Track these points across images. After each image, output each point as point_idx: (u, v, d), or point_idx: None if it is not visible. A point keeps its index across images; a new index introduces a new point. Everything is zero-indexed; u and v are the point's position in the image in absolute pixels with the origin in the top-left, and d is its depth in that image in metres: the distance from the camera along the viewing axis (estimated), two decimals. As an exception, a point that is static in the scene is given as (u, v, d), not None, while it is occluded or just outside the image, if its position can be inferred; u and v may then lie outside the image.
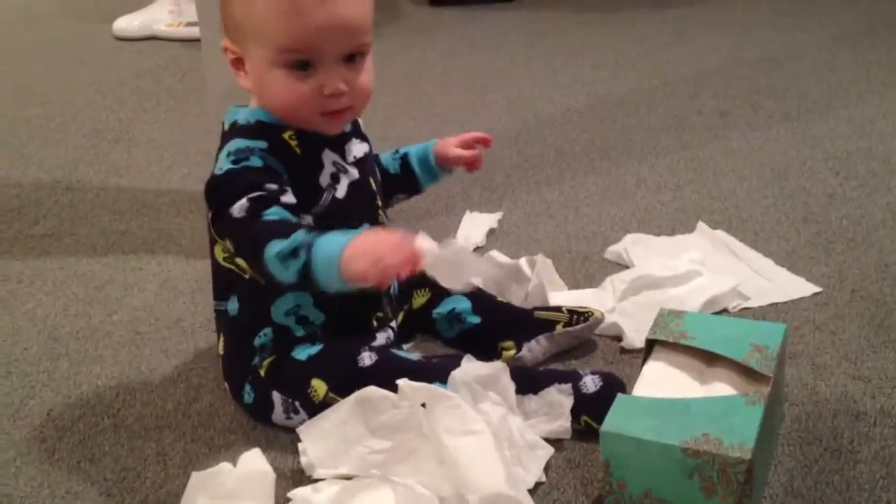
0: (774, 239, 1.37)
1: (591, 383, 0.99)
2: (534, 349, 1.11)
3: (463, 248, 1.32)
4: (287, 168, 0.98)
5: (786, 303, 1.21)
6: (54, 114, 2.07)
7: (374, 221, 1.05)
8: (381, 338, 1.07)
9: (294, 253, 0.89)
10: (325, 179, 1.01)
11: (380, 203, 1.08)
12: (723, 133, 1.76)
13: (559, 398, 0.98)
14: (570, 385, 0.99)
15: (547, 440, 0.97)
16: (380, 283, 0.87)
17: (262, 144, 0.98)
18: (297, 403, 1.01)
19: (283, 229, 0.91)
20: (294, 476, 0.96)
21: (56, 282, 1.38)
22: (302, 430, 0.97)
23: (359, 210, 1.03)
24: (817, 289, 1.23)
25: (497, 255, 1.26)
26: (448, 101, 2.02)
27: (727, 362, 0.93)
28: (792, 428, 0.99)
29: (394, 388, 0.94)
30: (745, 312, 1.19)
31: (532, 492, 0.91)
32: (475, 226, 1.43)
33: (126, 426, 1.06)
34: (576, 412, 0.98)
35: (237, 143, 0.98)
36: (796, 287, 1.24)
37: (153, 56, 2.46)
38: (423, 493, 0.89)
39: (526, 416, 0.99)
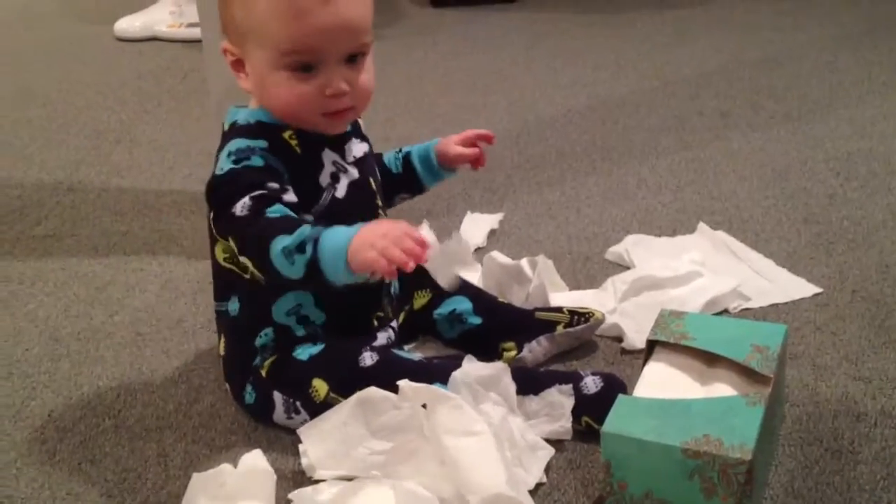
0: (775, 240, 1.37)
1: (591, 384, 0.99)
2: (535, 350, 1.11)
3: (465, 243, 1.34)
4: (287, 167, 0.98)
5: (786, 303, 1.21)
6: (56, 115, 2.08)
7: (372, 221, 1.05)
8: (382, 338, 1.07)
9: (300, 247, 0.89)
10: (324, 179, 1.02)
11: (380, 203, 1.08)
12: (724, 134, 1.76)
13: (560, 399, 0.98)
14: (570, 386, 0.99)
15: (548, 441, 0.97)
16: (387, 274, 0.87)
17: (262, 144, 0.98)
18: (298, 403, 1.01)
19: (288, 225, 0.92)
20: (295, 477, 0.96)
21: (57, 283, 1.38)
22: (302, 432, 0.97)
23: (359, 209, 1.03)
24: (818, 289, 1.23)
25: (498, 256, 1.26)
26: (449, 102, 2.02)
27: (728, 363, 0.93)
28: (792, 429, 0.99)
29: (395, 388, 0.94)
30: (745, 313, 1.19)
31: (533, 493, 0.91)
32: (476, 226, 1.44)
33: (127, 427, 1.06)
34: (577, 413, 0.98)
35: (238, 143, 0.98)
36: (797, 288, 1.24)
37: (154, 57, 2.47)
38: (424, 494, 0.89)
39: (527, 416, 0.99)
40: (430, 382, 0.95)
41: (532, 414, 0.99)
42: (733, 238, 1.36)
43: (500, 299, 1.19)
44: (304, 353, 1.02)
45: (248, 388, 1.04)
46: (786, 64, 2.11)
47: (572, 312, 1.12)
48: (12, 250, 1.49)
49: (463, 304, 1.14)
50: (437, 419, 0.91)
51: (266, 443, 1.02)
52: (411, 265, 0.86)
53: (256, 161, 0.96)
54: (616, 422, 0.86)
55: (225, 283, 1.05)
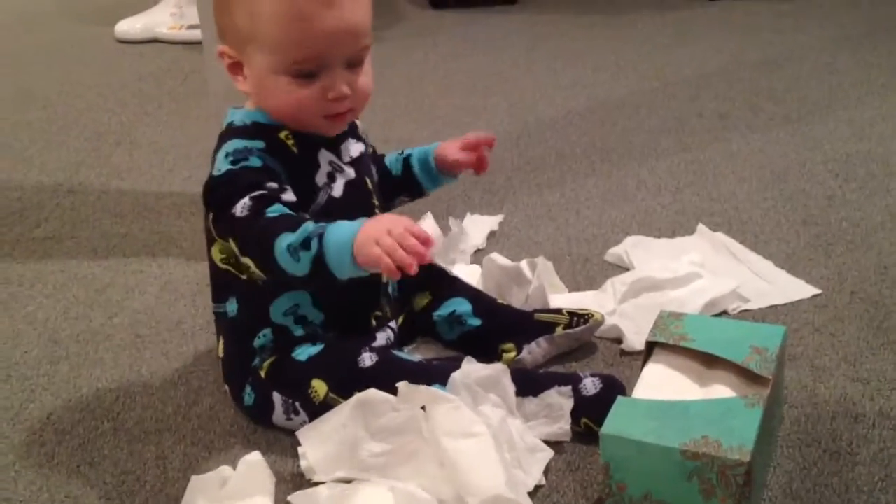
0: (774, 241, 1.37)
1: (590, 385, 0.99)
2: (534, 351, 1.11)
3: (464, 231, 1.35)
4: (284, 168, 0.98)
5: (785, 305, 1.21)
6: (56, 116, 2.08)
7: None
8: (382, 338, 1.07)
9: (305, 244, 0.89)
10: (321, 178, 1.02)
11: (376, 202, 1.08)
12: (723, 135, 1.76)
13: (559, 400, 0.98)
14: (569, 387, 0.99)
15: (547, 442, 0.97)
16: (391, 274, 0.87)
17: (259, 144, 0.98)
18: (297, 404, 1.01)
19: (290, 222, 0.92)
20: (294, 479, 0.96)
21: (57, 285, 1.38)
22: (301, 434, 0.97)
23: (355, 209, 1.03)
24: (817, 291, 1.23)
25: (498, 258, 1.26)
26: (449, 104, 2.02)
27: (727, 364, 0.93)
28: (791, 430, 0.99)
29: (394, 389, 0.94)
30: (744, 314, 1.19)
31: (532, 494, 0.91)
32: (476, 228, 1.44)
33: (126, 429, 1.06)
34: (576, 414, 0.98)
35: (235, 144, 0.98)
36: (796, 289, 1.24)
37: (155, 59, 2.47)
38: (423, 496, 0.89)
39: (526, 418, 0.99)
40: (430, 383, 0.96)
41: (531, 415, 0.99)
42: (732, 239, 1.36)
43: (500, 301, 1.19)
44: (303, 353, 1.02)
45: (248, 389, 1.04)
46: (785, 66, 2.11)
47: (571, 314, 1.12)
48: (12, 252, 1.49)
49: (462, 306, 1.14)
50: (437, 421, 0.91)
51: (265, 445, 1.02)
52: (415, 268, 0.86)
53: (254, 161, 0.96)
54: (615, 423, 0.86)
55: (222, 284, 1.05)
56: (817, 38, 2.28)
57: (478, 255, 1.35)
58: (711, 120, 1.84)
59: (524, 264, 1.24)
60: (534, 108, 1.97)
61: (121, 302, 1.32)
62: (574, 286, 1.28)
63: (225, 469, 0.95)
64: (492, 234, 1.43)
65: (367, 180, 1.08)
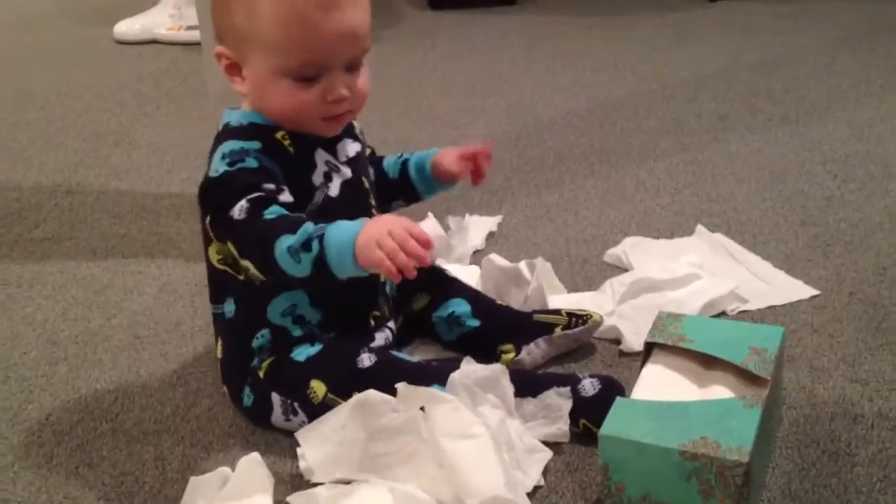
0: (773, 242, 1.37)
1: (589, 386, 0.99)
2: (533, 352, 1.11)
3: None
4: (281, 168, 0.98)
5: (784, 306, 1.21)
6: (54, 117, 2.08)
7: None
8: (380, 338, 1.07)
9: (305, 245, 0.90)
10: (317, 178, 1.02)
11: (373, 202, 1.09)
12: (721, 136, 1.76)
13: (558, 401, 0.98)
14: (568, 388, 0.99)
15: (545, 443, 0.97)
16: (393, 277, 0.88)
17: (256, 145, 0.98)
18: (296, 405, 1.01)
19: (290, 224, 0.92)
20: (293, 481, 0.96)
21: (55, 286, 1.38)
22: (300, 435, 0.97)
23: (352, 208, 1.03)
24: (815, 292, 1.23)
25: (496, 259, 1.26)
26: (448, 105, 2.02)
27: (725, 365, 0.93)
28: (790, 431, 0.99)
29: (393, 390, 0.94)
30: (743, 315, 1.19)
31: (531, 495, 0.91)
32: (475, 229, 1.44)
33: (125, 431, 1.06)
34: (574, 415, 0.98)
35: (231, 145, 0.98)
36: (794, 290, 1.24)
37: (154, 60, 2.47)
38: (422, 497, 0.89)
39: (524, 418, 0.99)
40: (429, 384, 0.96)
41: (530, 416, 0.99)
42: (731, 240, 1.36)
43: (499, 302, 1.19)
44: (301, 354, 1.02)
45: (247, 389, 1.04)
46: (784, 67, 2.11)
47: (570, 314, 1.12)
48: (10, 253, 1.49)
49: (461, 307, 1.14)
50: (436, 422, 0.91)
51: (264, 446, 1.02)
52: (414, 273, 0.88)
53: (251, 163, 0.97)
54: (614, 424, 0.86)
55: (220, 285, 1.05)
56: (816, 40, 2.29)
57: (477, 256, 1.35)
58: (710, 121, 1.84)
59: (523, 265, 1.24)
60: (532, 108, 1.97)
61: (119, 303, 1.32)
62: (573, 287, 1.28)
63: (224, 470, 0.95)
64: (490, 235, 1.43)
65: (364, 180, 1.08)
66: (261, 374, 1.03)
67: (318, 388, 1.00)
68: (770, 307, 1.20)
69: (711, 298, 1.18)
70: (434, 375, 0.98)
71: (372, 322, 1.07)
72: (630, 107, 1.94)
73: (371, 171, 1.12)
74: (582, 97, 2.01)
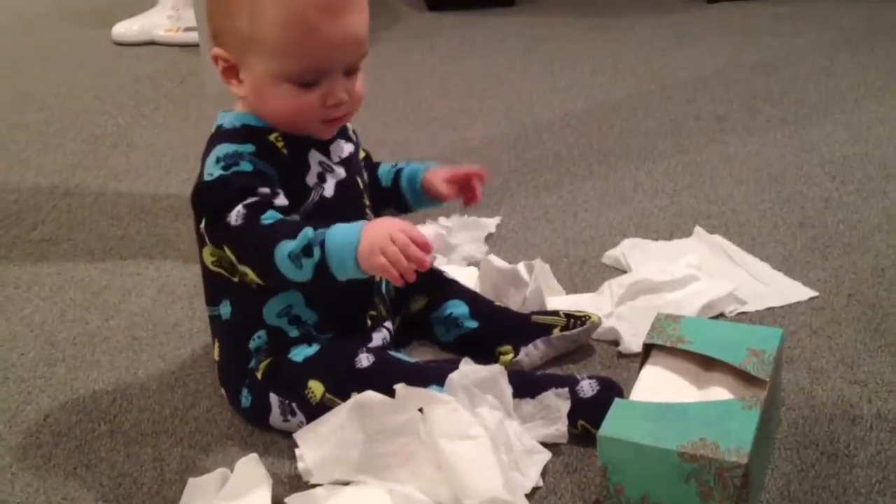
0: (771, 243, 1.37)
1: (588, 387, 0.99)
2: (531, 353, 1.11)
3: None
4: (275, 170, 0.98)
5: (782, 307, 1.21)
6: (53, 119, 2.08)
7: (361, 219, 1.05)
8: (378, 338, 1.07)
9: (306, 251, 0.91)
10: (311, 179, 1.02)
11: (367, 202, 1.09)
12: (720, 138, 1.76)
13: (556, 402, 0.98)
14: (567, 389, 0.99)
15: (544, 444, 0.97)
16: (395, 282, 0.91)
17: (250, 148, 0.98)
18: (294, 405, 1.01)
19: (288, 229, 0.92)
20: (291, 482, 0.96)
21: (54, 287, 1.38)
22: (299, 436, 0.96)
23: (347, 208, 1.04)
24: (814, 293, 1.23)
25: (495, 260, 1.26)
26: (446, 106, 2.02)
27: (724, 367, 0.93)
28: (788, 432, 0.99)
29: (391, 390, 0.94)
30: (741, 317, 1.19)
31: (529, 497, 0.91)
32: (476, 228, 1.43)
33: (123, 432, 1.06)
34: (573, 416, 0.98)
35: (225, 148, 0.98)
36: (793, 291, 1.24)
37: (152, 61, 2.47)
38: (421, 498, 0.89)
39: (522, 419, 0.99)
40: (427, 384, 0.96)
41: (528, 417, 0.99)
42: (729, 242, 1.36)
43: (497, 303, 1.19)
44: (298, 354, 1.02)
45: (244, 391, 1.04)
46: (782, 68, 2.11)
47: (569, 316, 1.12)
48: (8, 255, 1.49)
49: (459, 308, 1.14)
50: (434, 423, 0.91)
51: (262, 447, 1.02)
52: (414, 277, 0.90)
53: (245, 166, 0.97)
54: (612, 425, 0.86)
55: (215, 287, 1.05)
56: (814, 41, 2.29)
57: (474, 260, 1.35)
58: (708, 122, 1.84)
59: (521, 266, 1.24)
60: (531, 110, 1.97)
61: (118, 304, 1.32)
62: (571, 288, 1.28)
63: (222, 471, 0.95)
64: (489, 237, 1.43)
65: (358, 180, 1.08)
66: (259, 375, 1.03)
67: (316, 388, 1.00)
68: (769, 308, 1.20)
69: (710, 300, 1.18)
70: (432, 376, 0.98)
71: (369, 322, 1.07)
72: (628, 108, 1.94)
73: (365, 171, 1.12)
74: (580, 98, 2.01)
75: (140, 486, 0.97)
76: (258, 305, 1.02)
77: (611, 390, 0.99)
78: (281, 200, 0.97)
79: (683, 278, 1.22)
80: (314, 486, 0.94)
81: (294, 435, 0.97)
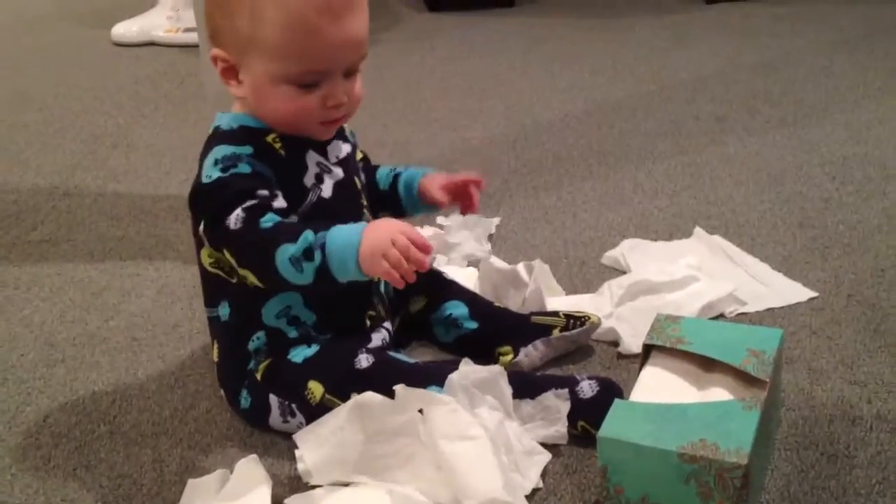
0: (771, 244, 1.37)
1: (587, 388, 0.99)
2: (531, 354, 1.11)
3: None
4: (273, 171, 0.98)
5: (782, 308, 1.21)
6: (52, 119, 2.08)
7: (359, 219, 1.05)
8: (377, 339, 1.07)
9: (307, 255, 0.91)
10: (309, 180, 1.02)
11: (364, 202, 1.09)
12: (720, 138, 1.76)
13: (556, 403, 0.98)
14: (566, 390, 0.99)
15: (544, 445, 0.97)
16: (397, 285, 0.92)
17: (248, 150, 0.98)
18: (293, 406, 1.01)
19: (288, 233, 0.92)
20: (291, 483, 0.96)
21: (53, 288, 1.38)
22: (299, 437, 0.96)
23: (345, 208, 1.04)
24: (813, 294, 1.23)
25: (495, 261, 1.26)
26: (446, 107, 2.02)
27: (724, 367, 0.93)
28: (788, 433, 0.99)
29: (391, 391, 0.94)
30: (741, 317, 1.19)
31: (529, 498, 0.91)
32: (475, 227, 1.43)
33: (122, 433, 1.06)
34: (573, 417, 0.98)
35: (223, 150, 0.98)
36: (793, 292, 1.24)
37: (151, 62, 2.47)
38: (421, 499, 0.89)
39: (522, 420, 0.99)
40: (427, 385, 0.96)
41: (528, 418, 0.99)
42: (729, 242, 1.36)
43: (497, 304, 1.19)
44: (298, 355, 1.02)
45: (244, 392, 1.04)
46: (782, 69, 2.11)
47: (568, 316, 1.12)
48: (8, 255, 1.49)
49: (459, 309, 1.14)
50: (434, 424, 0.91)
51: (262, 448, 1.02)
52: (414, 278, 0.91)
53: (244, 168, 0.97)
54: (612, 426, 0.86)
55: (213, 288, 1.05)
56: (814, 42, 2.29)
57: (475, 260, 1.35)
58: (708, 123, 1.84)
59: (521, 267, 1.24)
60: (531, 110, 1.97)
61: (117, 305, 1.32)
62: (571, 289, 1.28)
63: (222, 472, 0.95)
64: (489, 238, 1.43)
65: (356, 180, 1.08)
66: (258, 376, 1.03)
67: (315, 389, 1.00)
68: (768, 309, 1.20)
69: (710, 300, 1.18)
70: (432, 377, 0.98)
71: (368, 322, 1.07)
72: (628, 109, 1.94)
73: (362, 172, 1.12)
74: (580, 99, 2.01)
75: (140, 487, 0.97)
76: (257, 306, 1.02)
77: (610, 391, 0.99)
78: (279, 202, 0.97)
79: (683, 279, 1.22)
80: (314, 487, 0.94)
81: (294, 436, 0.97)
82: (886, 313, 1.18)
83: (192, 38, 2.19)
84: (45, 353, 1.22)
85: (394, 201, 1.15)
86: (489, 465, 0.88)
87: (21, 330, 1.28)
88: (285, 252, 0.91)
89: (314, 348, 1.03)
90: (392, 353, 1.06)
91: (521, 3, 2.80)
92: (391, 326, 1.11)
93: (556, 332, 1.11)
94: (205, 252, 1.03)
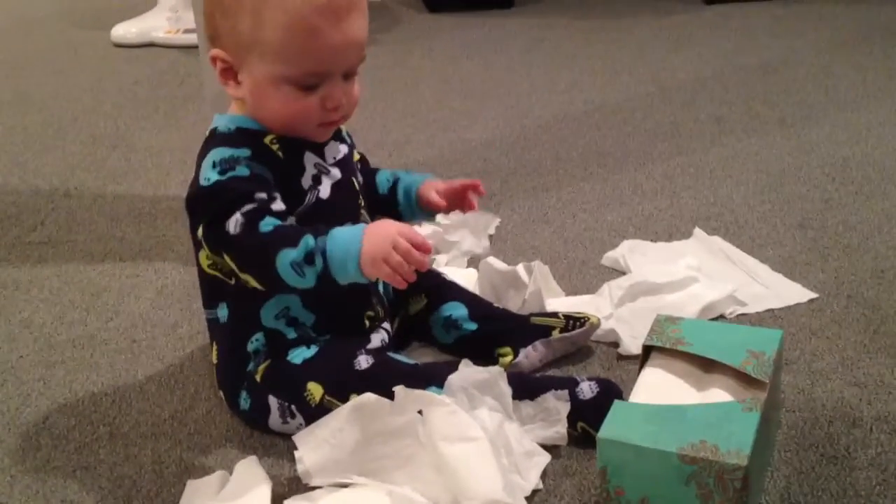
0: (770, 245, 1.37)
1: (587, 389, 0.99)
2: (530, 355, 1.11)
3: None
4: (271, 173, 0.99)
5: (782, 309, 1.21)
6: (52, 120, 2.08)
7: (357, 220, 1.06)
8: (376, 340, 1.07)
9: (308, 259, 0.92)
10: (307, 181, 1.02)
11: (362, 202, 1.09)
12: (719, 139, 1.76)
13: (556, 404, 0.98)
14: (566, 391, 0.99)
15: (543, 446, 0.97)
16: (400, 286, 0.93)
17: (246, 153, 0.98)
18: (293, 407, 1.01)
19: (289, 237, 0.93)
20: (290, 484, 0.96)
21: (52, 289, 1.38)
22: (298, 438, 0.96)
23: (342, 209, 1.04)
24: (813, 295, 1.23)
25: (494, 262, 1.26)
26: (446, 107, 2.02)
27: (724, 368, 0.93)
28: (788, 434, 0.99)
29: (390, 392, 0.94)
30: (741, 318, 1.19)
31: (529, 499, 0.91)
32: (474, 224, 1.43)
33: (122, 434, 1.06)
34: (572, 419, 0.98)
35: (221, 153, 0.98)
36: (792, 293, 1.24)
37: (151, 63, 2.47)
38: (420, 500, 0.89)
39: (522, 421, 0.99)
40: (426, 386, 0.96)
41: (527, 419, 0.99)
42: (729, 243, 1.36)
43: (496, 305, 1.19)
44: (297, 356, 1.02)
45: (243, 393, 1.04)
46: (781, 69, 2.11)
47: (568, 317, 1.12)
48: (8, 256, 1.49)
49: (458, 310, 1.14)
50: (433, 425, 0.91)
51: (261, 449, 1.02)
52: (415, 277, 0.92)
53: (242, 171, 0.97)
54: (612, 428, 0.86)
55: (212, 289, 1.05)
56: (813, 42, 2.29)
57: (474, 259, 1.35)
58: (707, 124, 1.84)
59: (521, 268, 1.23)
60: (530, 111, 1.97)
61: (116, 306, 1.32)
62: (571, 290, 1.28)
63: (221, 474, 0.95)
64: (489, 237, 1.43)
65: (354, 180, 1.08)
66: (257, 377, 1.03)
67: (315, 390, 1.00)
68: (768, 310, 1.20)
69: (709, 301, 1.18)
70: (432, 377, 0.98)
71: (367, 323, 1.07)
72: (627, 110, 1.94)
73: (360, 173, 1.12)
74: (579, 100, 2.01)
75: (139, 488, 0.97)
76: (255, 308, 1.02)
77: (610, 392, 0.99)
78: (278, 205, 0.97)
79: (683, 280, 1.22)
80: (313, 488, 0.94)
81: (293, 437, 0.97)
82: (886, 314, 1.18)
83: (192, 39, 2.19)
84: (44, 355, 1.22)
85: (392, 206, 1.15)
86: (489, 466, 0.88)
87: (20, 331, 1.27)
88: (286, 257, 0.92)
89: (313, 349, 1.03)
90: (391, 354, 1.06)
91: (520, 5, 2.80)
92: (390, 327, 1.11)
93: (555, 333, 1.11)
94: (203, 254, 1.03)
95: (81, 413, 1.10)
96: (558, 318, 1.12)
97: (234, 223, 0.94)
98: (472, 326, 1.13)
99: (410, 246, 0.91)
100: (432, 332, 1.16)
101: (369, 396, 0.94)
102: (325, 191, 1.03)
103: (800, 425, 1.00)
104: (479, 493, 0.86)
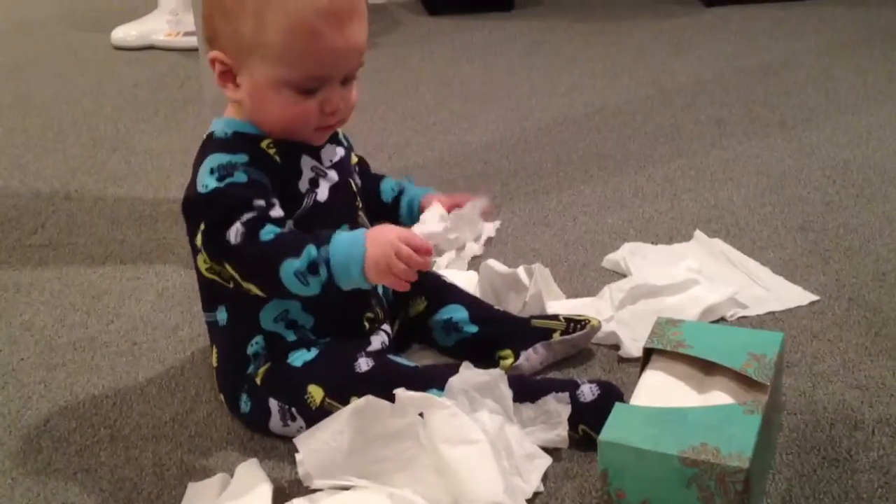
0: (771, 247, 1.37)
1: (588, 392, 0.99)
2: (531, 358, 1.11)
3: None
4: (269, 177, 0.99)
5: (783, 311, 1.21)
6: (52, 123, 2.08)
7: (354, 222, 1.06)
8: (377, 342, 1.07)
9: (312, 269, 0.93)
10: (304, 185, 1.02)
11: (360, 204, 1.09)
12: (720, 142, 1.76)
13: (556, 407, 0.98)
14: (567, 394, 0.99)
15: (544, 449, 0.97)
16: (403, 289, 0.96)
17: (243, 158, 0.98)
18: (293, 410, 1.01)
19: (291, 246, 0.93)
20: (291, 486, 0.96)
21: (53, 291, 1.38)
22: (299, 441, 0.96)
23: (340, 211, 1.05)
24: (814, 297, 1.23)
25: (495, 264, 1.26)
26: (446, 110, 2.02)
27: (725, 371, 0.93)
28: (790, 437, 0.99)
29: (391, 394, 0.94)
30: (742, 321, 1.19)
31: (530, 502, 0.91)
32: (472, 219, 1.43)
33: (122, 437, 1.06)
34: (573, 421, 0.98)
35: (218, 159, 0.98)
36: (793, 296, 1.24)
37: (151, 65, 2.47)
38: (421, 503, 0.89)
39: (523, 424, 0.98)
40: (427, 388, 0.96)
41: (528, 421, 0.99)
42: (730, 246, 1.36)
43: (497, 307, 1.19)
44: (297, 359, 1.02)
45: (244, 396, 1.04)
46: (781, 72, 2.11)
47: (568, 320, 1.12)
48: (8, 259, 1.49)
49: (459, 313, 1.14)
50: (434, 428, 0.91)
51: (262, 452, 1.01)
52: (416, 278, 0.94)
53: (240, 177, 0.97)
54: (613, 430, 0.86)
55: (211, 292, 1.05)
56: (813, 45, 2.29)
57: (475, 262, 1.35)
58: (708, 126, 1.84)
59: (521, 271, 1.23)
60: (530, 114, 1.97)
61: (117, 309, 1.32)
62: (571, 292, 1.28)
63: (222, 476, 0.95)
64: (489, 241, 1.43)
65: (351, 182, 1.09)
66: (257, 380, 1.03)
67: (315, 393, 1.00)
68: (769, 313, 1.20)
69: (710, 304, 1.18)
70: (432, 380, 0.98)
71: (366, 324, 1.07)
72: (628, 112, 1.94)
73: (357, 175, 1.13)
74: (580, 103, 2.01)
75: (140, 490, 0.97)
76: (254, 311, 1.02)
77: (611, 395, 0.99)
78: (276, 211, 0.97)
79: (684, 282, 1.22)
80: (314, 490, 0.94)
81: (294, 439, 0.97)
82: (888, 317, 1.18)
83: (192, 41, 2.20)
84: (45, 357, 1.22)
85: (394, 216, 1.17)
86: (490, 468, 0.88)
87: (21, 333, 1.27)
88: (290, 267, 0.93)
89: (313, 352, 1.02)
90: (392, 357, 1.06)
91: (519, 7, 2.80)
92: (390, 329, 1.11)
93: (556, 336, 1.11)
94: (201, 257, 1.02)
95: (82, 415, 1.10)
96: (559, 320, 1.12)
97: (234, 233, 0.94)
98: (473, 329, 1.13)
99: (412, 252, 0.93)
100: (432, 334, 1.16)
101: (370, 399, 0.94)
102: (322, 194, 1.03)
103: (801, 428, 1.00)
104: (480, 496, 0.86)
